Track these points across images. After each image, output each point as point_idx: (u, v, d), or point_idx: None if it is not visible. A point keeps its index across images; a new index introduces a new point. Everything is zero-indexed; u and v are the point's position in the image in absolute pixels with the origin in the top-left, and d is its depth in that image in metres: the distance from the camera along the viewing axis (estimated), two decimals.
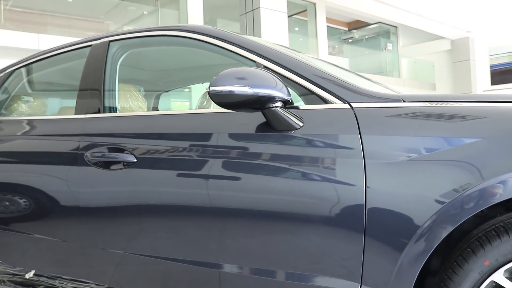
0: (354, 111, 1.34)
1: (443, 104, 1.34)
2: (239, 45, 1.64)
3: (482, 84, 15.52)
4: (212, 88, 1.32)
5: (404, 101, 1.35)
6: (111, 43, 2.01)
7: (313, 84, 1.45)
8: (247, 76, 1.31)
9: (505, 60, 15.27)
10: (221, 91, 1.31)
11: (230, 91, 1.30)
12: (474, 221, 1.30)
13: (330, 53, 14.58)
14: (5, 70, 2.50)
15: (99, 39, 2.06)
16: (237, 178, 1.42)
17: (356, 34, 17.29)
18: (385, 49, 16.39)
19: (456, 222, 1.16)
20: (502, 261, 1.15)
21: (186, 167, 1.53)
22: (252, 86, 1.30)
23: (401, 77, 16.31)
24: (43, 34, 8.44)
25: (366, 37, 17.13)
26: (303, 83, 1.47)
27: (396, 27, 16.70)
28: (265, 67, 1.54)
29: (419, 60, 16.99)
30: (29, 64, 2.41)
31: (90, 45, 2.08)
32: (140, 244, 1.60)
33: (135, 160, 1.61)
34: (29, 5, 9.63)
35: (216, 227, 1.44)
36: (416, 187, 1.20)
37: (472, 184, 1.14)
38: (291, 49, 2.10)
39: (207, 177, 1.47)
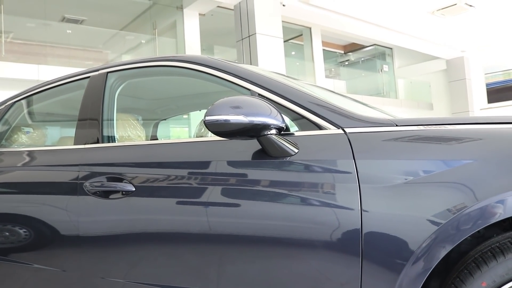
0: (347, 136, 1.36)
1: (436, 127, 1.36)
2: (234, 74, 1.67)
3: (479, 103, 15.61)
4: (207, 118, 1.35)
5: (396, 125, 1.38)
6: (109, 74, 2.04)
7: (307, 111, 1.48)
8: (242, 105, 1.34)
9: (500, 78, 15.39)
10: (217, 120, 1.34)
11: (226, 120, 1.33)
12: (471, 242, 1.32)
13: (327, 76, 14.72)
14: (6, 102, 2.53)
15: (97, 70, 2.10)
16: (236, 205, 1.44)
17: (352, 56, 17.48)
18: (381, 71, 16.55)
19: (453, 243, 1.17)
20: (499, 282, 1.15)
21: (185, 195, 1.54)
22: (247, 114, 1.32)
23: (398, 98, 16.42)
24: (43, 65, 8.53)
25: (362, 59, 17.31)
26: (297, 109, 1.50)
27: (391, 48, 16.90)
28: (260, 95, 1.57)
29: (415, 81, 17.12)
30: (29, 96, 2.45)
31: (88, 77, 2.12)
32: (141, 272, 1.60)
33: (134, 189, 1.62)
34: (29, 36, 9.77)
35: (216, 253, 1.45)
36: (411, 209, 1.21)
37: (466, 204, 1.16)
38: (286, 76, 2.14)
39: (206, 204, 1.49)
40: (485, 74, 15.66)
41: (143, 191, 1.61)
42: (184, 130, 9.01)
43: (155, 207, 1.59)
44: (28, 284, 1.92)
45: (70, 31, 10.60)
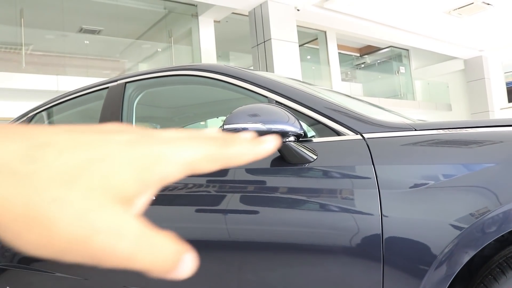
0: (366, 141, 1.36)
1: (455, 131, 1.35)
2: (250, 82, 1.68)
3: (498, 102, 15.36)
4: (226, 126, 1.36)
5: (415, 130, 1.37)
6: (127, 84, 2.07)
7: (324, 117, 1.48)
8: (259, 113, 1.35)
9: None
10: (235, 129, 1.35)
11: (244, 128, 1.34)
12: (495, 246, 1.30)
13: (343, 79, 14.67)
14: (28, 114, 2.59)
15: (116, 81, 2.13)
16: (255, 212, 1.44)
17: (368, 59, 17.40)
18: (398, 73, 16.42)
19: (476, 248, 1.15)
20: None
21: (204, 203, 1.55)
22: (265, 122, 1.33)
23: (415, 100, 16.26)
24: (62, 76, 8.69)
25: (378, 61, 17.22)
26: (315, 116, 1.50)
27: (407, 50, 16.77)
28: (277, 102, 1.58)
29: (433, 82, 16.95)
30: (49, 107, 2.50)
31: (107, 87, 2.15)
32: (161, 280, 1.61)
33: (154, 198, 1.64)
34: (48, 48, 9.97)
35: (236, 261, 1.45)
36: (433, 214, 1.20)
37: (489, 208, 1.14)
38: (302, 81, 2.14)
39: (225, 211, 1.49)
40: (505, 73, 15.42)
41: (163, 199, 1.63)
42: None
43: (175, 215, 1.61)
44: None
45: (87, 42, 10.77)
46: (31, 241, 0.21)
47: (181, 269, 0.23)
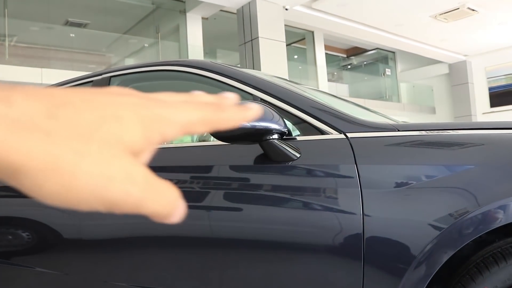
0: (349, 141, 1.37)
1: (438, 132, 1.37)
2: (236, 79, 1.68)
3: (481, 107, 15.59)
4: None
5: (398, 130, 1.38)
6: (112, 78, 2.06)
7: (309, 115, 1.49)
8: None
9: (503, 82, 15.38)
10: None
11: None
12: (473, 247, 1.32)
13: (329, 80, 14.74)
14: None
15: (100, 74, 2.11)
16: (238, 209, 1.44)
17: (354, 60, 17.50)
18: (384, 75, 16.56)
19: (455, 248, 1.17)
20: None
21: (187, 199, 1.53)
22: None
23: (401, 102, 16.42)
24: (46, 69, 8.58)
25: (365, 63, 17.33)
26: (299, 114, 1.50)
27: (394, 52, 16.91)
28: (262, 100, 1.58)
29: (418, 85, 17.13)
30: None
31: (91, 81, 2.13)
32: (143, 276, 1.60)
33: None
34: (32, 40, 9.83)
35: (218, 257, 1.45)
36: (413, 214, 1.21)
37: (468, 209, 1.16)
38: (289, 80, 2.15)
39: (208, 208, 1.49)
40: (488, 78, 15.66)
41: None
42: None
43: None
44: (30, 287, 1.92)
45: (73, 35, 10.65)
46: (53, 191, 0.23)
47: (177, 213, 0.27)
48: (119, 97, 0.27)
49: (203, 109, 0.28)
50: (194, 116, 0.28)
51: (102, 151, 0.23)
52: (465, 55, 15.43)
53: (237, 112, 0.30)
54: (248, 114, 0.31)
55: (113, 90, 0.28)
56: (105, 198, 0.23)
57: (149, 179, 0.25)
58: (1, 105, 0.22)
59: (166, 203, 0.26)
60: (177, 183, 1.58)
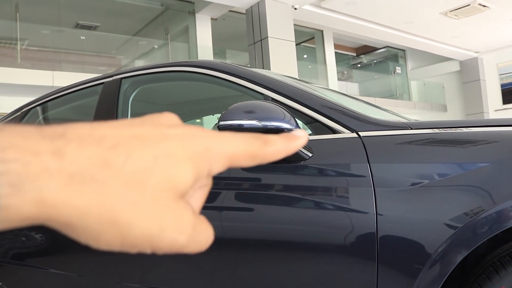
0: (362, 140, 1.36)
1: (452, 130, 1.35)
2: (247, 79, 1.67)
3: (493, 104, 15.43)
4: (221, 123, 1.35)
5: (411, 128, 1.37)
6: (122, 80, 2.06)
7: (320, 115, 1.48)
8: (255, 110, 1.34)
9: None
10: (231, 125, 1.34)
11: (239, 125, 1.33)
12: (489, 246, 1.30)
13: (339, 79, 14.69)
14: (22, 109, 2.57)
15: (111, 76, 2.12)
16: (250, 209, 1.44)
17: (364, 59, 17.43)
18: (394, 73, 16.46)
19: (470, 247, 1.15)
20: None
21: None
22: (260, 119, 1.32)
23: (411, 100, 16.31)
24: (58, 71, 8.65)
25: (375, 61, 17.26)
26: (310, 113, 1.49)
27: (404, 50, 16.81)
28: (273, 100, 1.57)
29: (428, 82, 17.00)
30: (44, 102, 2.48)
31: (102, 83, 2.14)
32: (155, 277, 1.61)
33: None
34: (43, 43, 9.92)
35: (230, 258, 1.45)
36: (427, 213, 1.20)
37: (483, 208, 1.14)
38: (299, 79, 2.14)
39: (220, 208, 1.49)
40: (500, 74, 15.49)
41: None
42: None
43: None
44: None
45: (83, 37, 10.73)
46: (109, 240, 0.23)
47: (208, 245, 0.27)
48: (168, 129, 0.26)
49: (249, 142, 0.28)
50: (240, 149, 0.27)
51: (156, 201, 0.23)
52: (477, 52, 15.28)
53: (283, 144, 0.29)
54: (295, 145, 0.30)
55: (162, 121, 0.27)
56: (155, 245, 0.24)
57: (195, 226, 0.25)
58: (54, 159, 0.22)
59: (204, 243, 0.26)
60: None
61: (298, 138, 0.30)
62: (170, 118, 0.28)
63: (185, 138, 0.26)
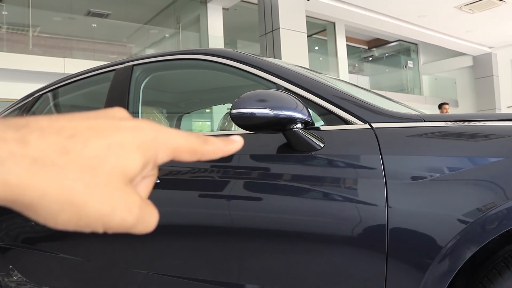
0: (374, 131, 1.34)
1: (465, 123, 1.33)
2: (259, 68, 1.66)
3: (506, 100, 15.26)
4: (233, 111, 1.34)
5: (424, 121, 1.35)
6: (134, 67, 2.06)
7: (333, 105, 1.46)
8: (268, 98, 1.33)
9: None
10: (243, 113, 1.33)
11: (252, 113, 1.32)
12: (499, 241, 1.28)
13: (350, 72, 14.60)
14: (33, 94, 2.58)
15: (123, 63, 2.12)
16: (259, 199, 1.43)
17: (376, 52, 17.29)
18: (405, 67, 16.33)
19: (481, 242, 1.14)
20: None
21: (208, 188, 1.54)
22: (273, 108, 1.31)
23: (422, 95, 16.18)
24: (69, 58, 8.69)
25: (386, 55, 17.12)
26: (323, 104, 1.48)
27: (416, 44, 16.65)
28: (286, 89, 1.56)
29: (440, 77, 16.84)
30: (55, 89, 2.49)
31: (114, 69, 2.14)
32: (163, 264, 1.61)
33: (159, 181, 1.64)
34: (55, 30, 9.95)
35: (238, 247, 1.45)
36: (439, 207, 1.18)
37: (496, 203, 1.12)
38: (311, 70, 2.12)
39: (229, 197, 1.49)
40: None
41: (168, 183, 1.62)
42: (206, 124, 9.05)
43: (179, 199, 1.60)
44: (53, 272, 1.96)
45: (95, 25, 10.75)
46: (66, 219, 0.25)
47: (153, 227, 0.30)
48: (120, 122, 0.29)
49: (192, 138, 0.31)
50: (183, 143, 0.30)
51: (109, 184, 0.26)
52: (490, 47, 15.09)
53: (221, 145, 0.33)
54: (231, 147, 0.33)
55: (114, 114, 0.30)
56: (106, 224, 0.26)
57: (142, 207, 0.28)
58: (18, 145, 0.24)
59: (150, 224, 0.29)
60: (197, 171, 1.58)
61: (234, 142, 0.34)
62: (121, 112, 0.31)
63: (135, 130, 0.28)
